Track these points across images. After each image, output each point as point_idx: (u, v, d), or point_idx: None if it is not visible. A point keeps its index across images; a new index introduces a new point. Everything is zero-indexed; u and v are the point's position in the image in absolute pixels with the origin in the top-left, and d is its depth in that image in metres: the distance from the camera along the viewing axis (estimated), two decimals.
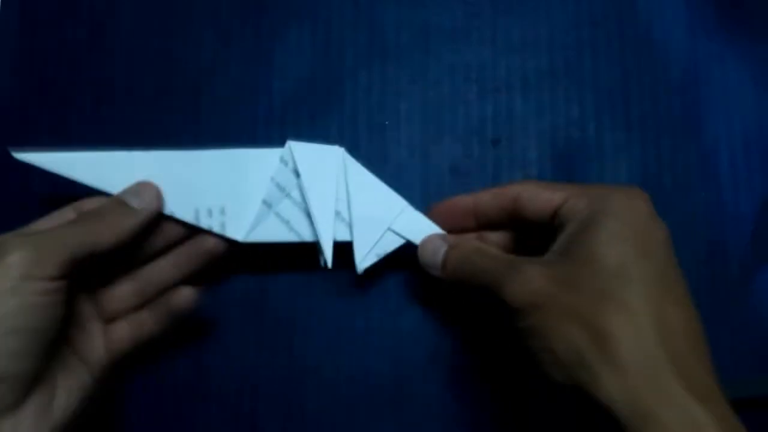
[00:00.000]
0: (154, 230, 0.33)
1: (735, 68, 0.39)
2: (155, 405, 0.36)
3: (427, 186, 0.38)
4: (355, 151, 0.38)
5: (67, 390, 0.30)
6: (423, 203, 0.37)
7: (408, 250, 0.35)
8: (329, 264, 0.33)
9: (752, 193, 0.38)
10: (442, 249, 0.32)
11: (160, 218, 0.33)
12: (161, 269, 0.34)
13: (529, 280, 0.27)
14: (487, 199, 0.33)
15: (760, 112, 0.39)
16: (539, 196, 0.30)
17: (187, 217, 0.33)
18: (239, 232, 0.33)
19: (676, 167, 0.38)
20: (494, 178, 0.38)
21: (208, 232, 0.33)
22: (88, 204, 0.33)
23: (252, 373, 0.36)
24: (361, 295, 0.37)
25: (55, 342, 0.29)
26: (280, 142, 0.36)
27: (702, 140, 0.39)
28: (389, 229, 0.34)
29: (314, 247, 0.34)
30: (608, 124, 0.39)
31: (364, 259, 0.33)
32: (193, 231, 0.34)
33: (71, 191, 0.33)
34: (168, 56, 0.39)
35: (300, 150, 0.34)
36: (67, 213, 0.32)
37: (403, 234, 0.34)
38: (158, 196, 0.33)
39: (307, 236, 0.34)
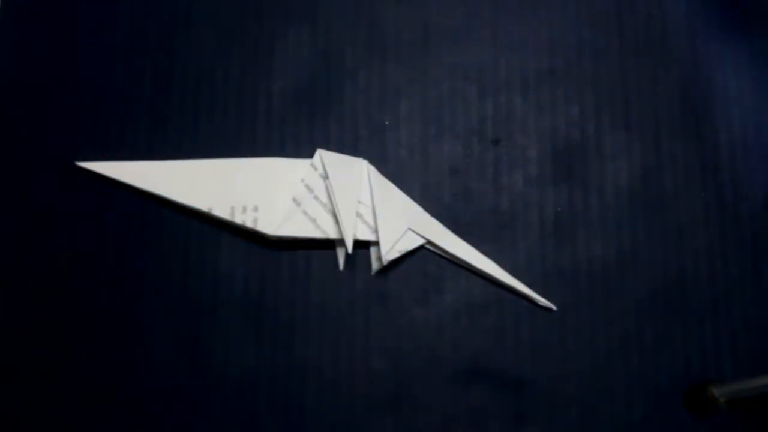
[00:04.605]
0: None
1: (735, 68, 0.39)
2: (155, 405, 0.36)
3: (427, 186, 0.38)
4: (355, 151, 0.38)
5: None
6: (423, 203, 0.37)
7: (416, 252, 0.36)
8: (350, 250, 0.35)
9: (752, 193, 0.38)
10: None
11: (199, 215, 0.37)
12: None
13: None
14: None
15: (760, 112, 0.39)
16: None
17: (224, 213, 0.36)
18: (269, 227, 0.36)
19: (676, 167, 0.38)
20: (494, 178, 0.38)
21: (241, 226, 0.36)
22: None
23: (252, 373, 0.36)
24: (362, 295, 0.37)
25: None
26: (280, 142, 0.36)
27: (702, 140, 0.39)
28: (410, 229, 0.36)
29: (335, 246, 0.37)
30: (608, 124, 0.39)
31: (388, 252, 0.36)
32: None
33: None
34: (168, 56, 0.39)
35: (328, 157, 0.37)
36: None
37: (423, 234, 0.36)
38: None
39: (331, 233, 0.36)
